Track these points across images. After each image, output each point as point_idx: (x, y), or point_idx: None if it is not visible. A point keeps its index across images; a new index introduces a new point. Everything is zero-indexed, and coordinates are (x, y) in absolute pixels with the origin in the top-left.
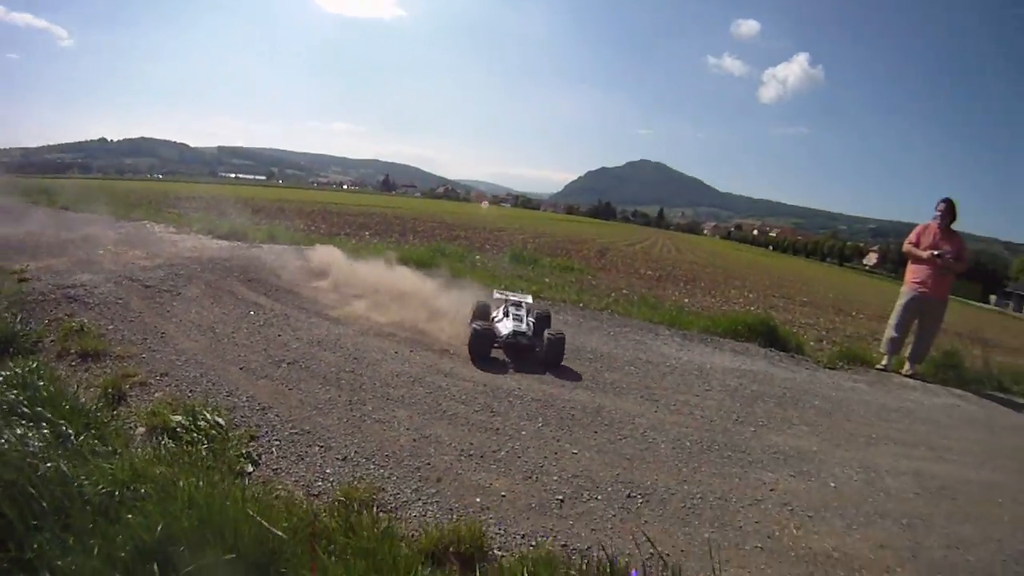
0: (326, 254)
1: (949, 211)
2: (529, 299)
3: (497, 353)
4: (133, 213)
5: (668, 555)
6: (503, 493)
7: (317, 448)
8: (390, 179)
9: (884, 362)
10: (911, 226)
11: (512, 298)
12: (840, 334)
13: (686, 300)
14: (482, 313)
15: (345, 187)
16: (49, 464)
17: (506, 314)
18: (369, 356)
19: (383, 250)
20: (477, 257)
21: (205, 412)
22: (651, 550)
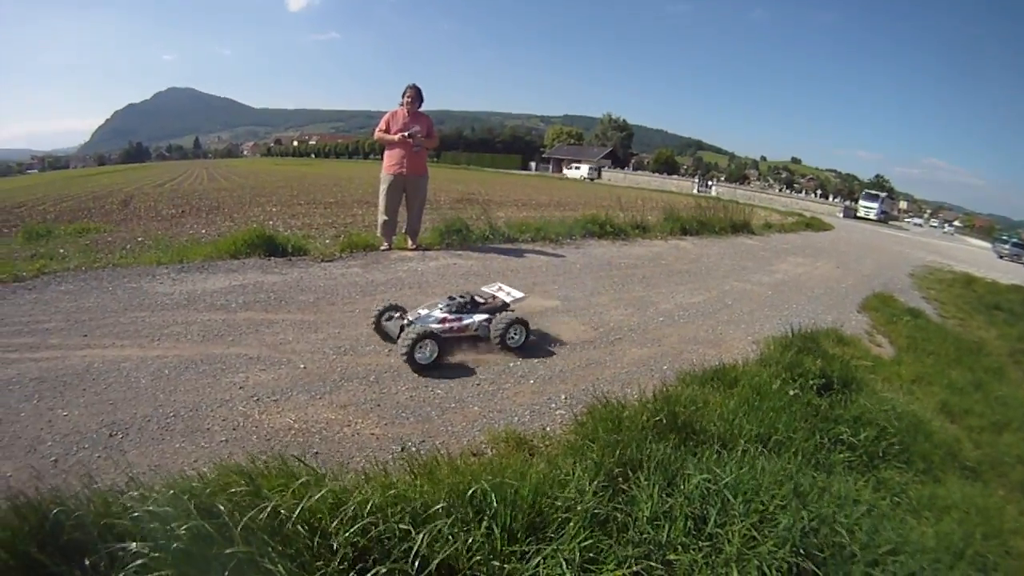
0: None
1: (417, 96)
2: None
3: None
4: None
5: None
6: None
7: None
8: None
9: (384, 245)
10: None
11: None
12: (356, 227)
13: (203, 231)
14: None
15: None
16: None
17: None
18: None
19: None
20: None
21: None
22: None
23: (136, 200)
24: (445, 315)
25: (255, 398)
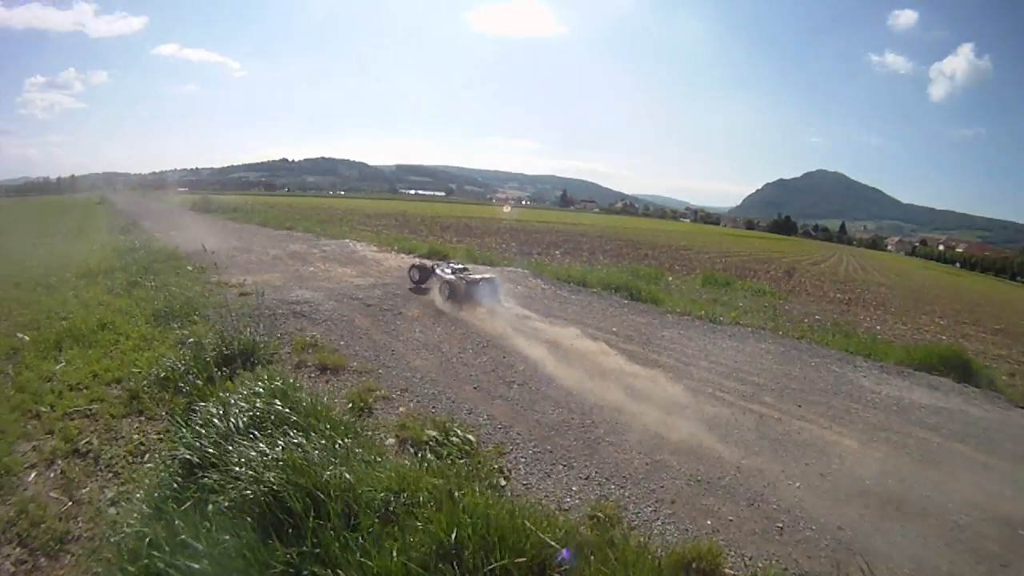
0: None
1: None
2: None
3: None
4: (328, 230)
5: None
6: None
7: (561, 467)
8: (567, 195)
9: None
10: None
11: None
12: None
13: (878, 327)
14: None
15: (523, 202)
16: (330, 470)
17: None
18: (591, 384)
19: (587, 275)
20: (670, 279)
21: (456, 429)
22: None
23: (798, 273)
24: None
25: None
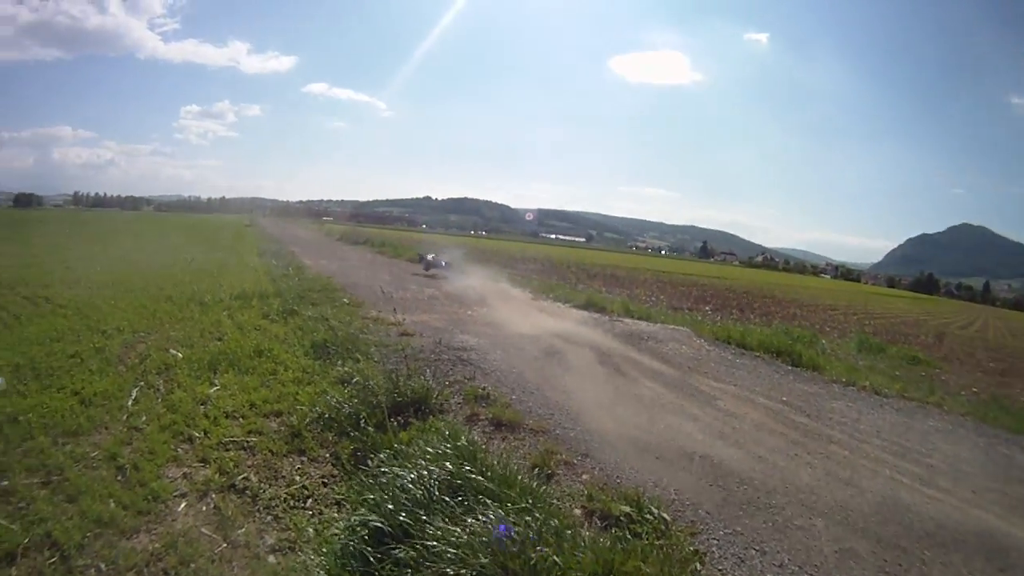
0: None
1: None
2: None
3: None
4: (478, 270)
5: None
6: None
7: (753, 551)
8: (708, 246)
9: None
10: None
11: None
12: None
13: None
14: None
15: (662, 252)
16: (536, 551)
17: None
18: (772, 459)
19: (746, 335)
20: (823, 342)
21: (650, 504)
22: None
23: (948, 338)
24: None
25: None
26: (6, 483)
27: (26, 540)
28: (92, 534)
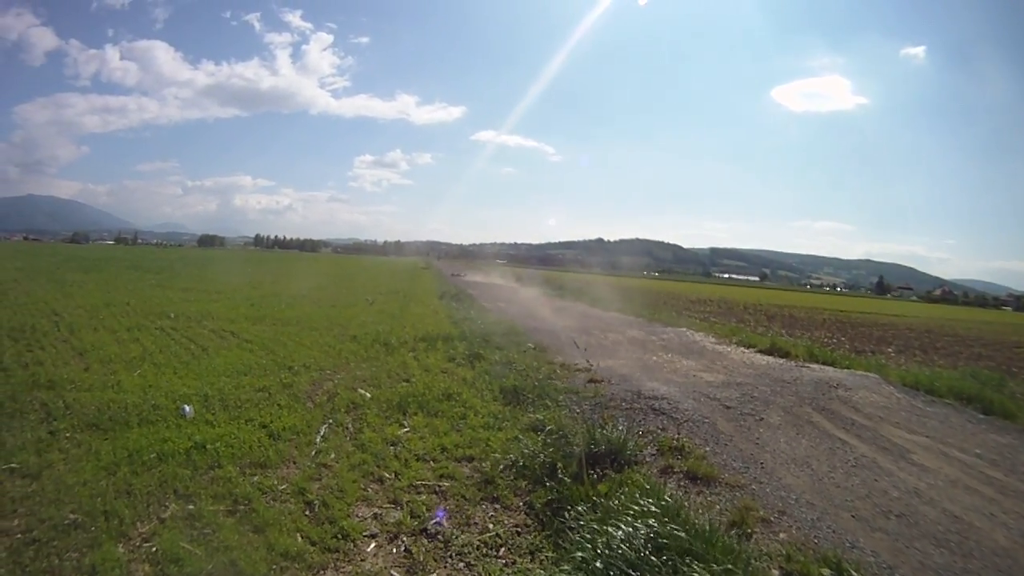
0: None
1: None
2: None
3: None
4: (657, 314)
5: None
6: None
7: None
8: (883, 281)
9: None
10: None
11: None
12: None
13: None
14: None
15: (838, 289)
16: None
17: None
18: (968, 519)
19: (929, 379)
20: (1012, 385)
21: (849, 568)
22: None
23: None
24: None
25: None
26: (192, 507)
27: (210, 566)
28: (278, 566)
